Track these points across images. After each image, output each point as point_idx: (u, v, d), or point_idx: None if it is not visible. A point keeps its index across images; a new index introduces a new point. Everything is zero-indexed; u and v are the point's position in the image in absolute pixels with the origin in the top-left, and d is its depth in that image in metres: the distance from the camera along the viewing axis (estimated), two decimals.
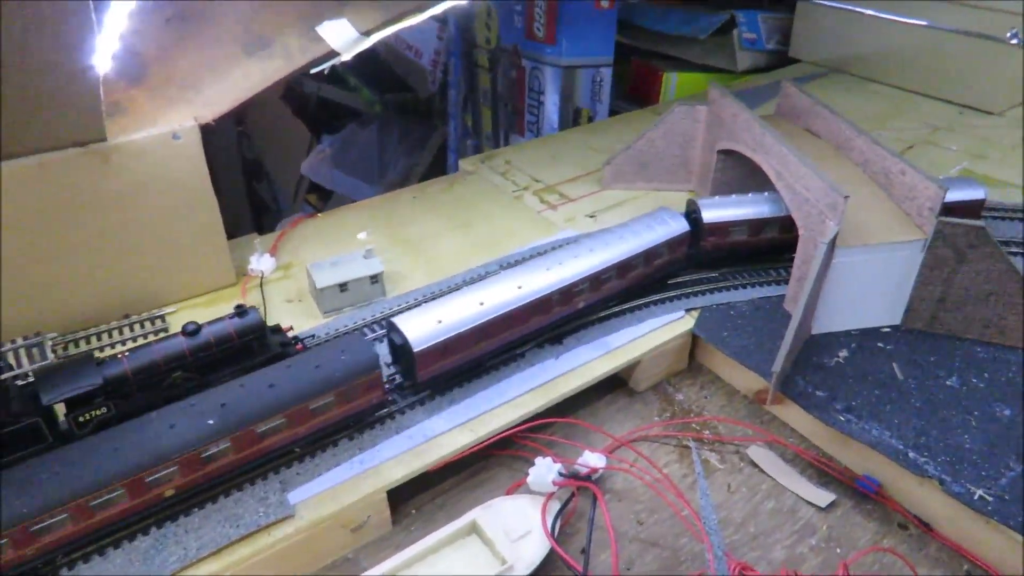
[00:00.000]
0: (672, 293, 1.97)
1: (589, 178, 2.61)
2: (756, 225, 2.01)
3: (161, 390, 1.51)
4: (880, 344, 1.83)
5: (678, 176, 2.49)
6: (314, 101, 6.57)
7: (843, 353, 1.80)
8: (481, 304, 1.67)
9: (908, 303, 1.84)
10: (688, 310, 1.94)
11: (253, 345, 1.60)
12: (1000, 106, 3.07)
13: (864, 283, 1.80)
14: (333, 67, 6.83)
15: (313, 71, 1.78)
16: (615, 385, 1.91)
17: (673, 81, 3.95)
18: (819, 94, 3.56)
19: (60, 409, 1.42)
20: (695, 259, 2.04)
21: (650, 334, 1.87)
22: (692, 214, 2.01)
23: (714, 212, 2.00)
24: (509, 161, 2.74)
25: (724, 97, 2.22)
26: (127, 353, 1.50)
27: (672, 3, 4.36)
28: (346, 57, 1.67)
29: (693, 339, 1.92)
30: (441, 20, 4.59)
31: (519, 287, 1.72)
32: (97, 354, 1.71)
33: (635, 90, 4.15)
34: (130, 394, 1.48)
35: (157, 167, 1.80)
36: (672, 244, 1.94)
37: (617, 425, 1.81)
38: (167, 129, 1.77)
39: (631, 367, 1.86)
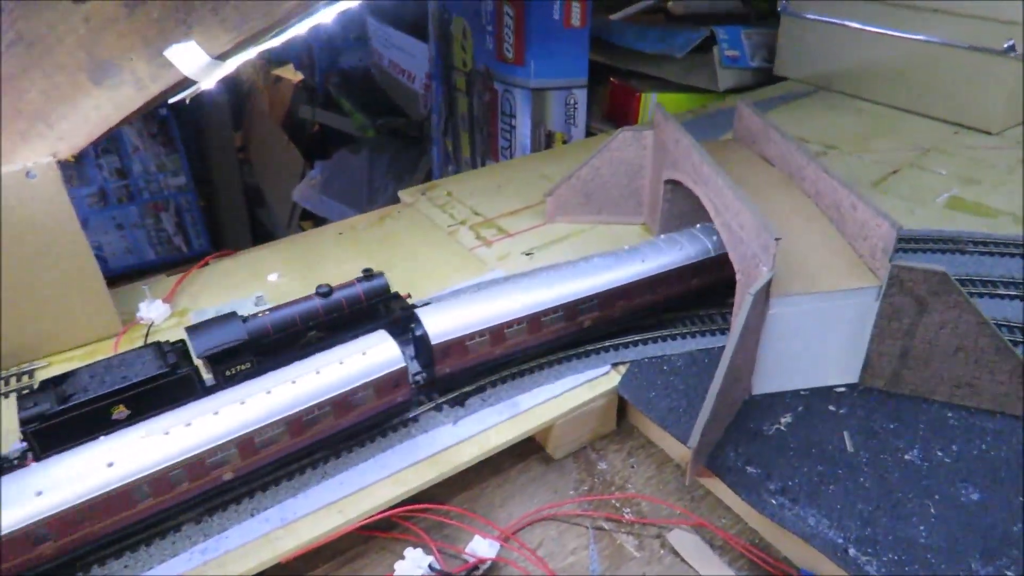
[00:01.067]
0: (597, 345, 1.74)
1: (534, 210, 2.39)
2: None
3: (297, 347, 1.64)
4: (832, 407, 1.57)
5: (627, 207, 2.26)
6: (311, 127, 6.47)
7: (786, 419, 1.54)
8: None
9: (865, 359, 1.58)
10: (615, 364, 1.71)
11: (379, 308, 1.74)
12: (997, 125, 2.79)
13: (810, 336, 1.55)
14: (327, 92, 6.70)
15: (172, 100, 1.60)
16: (531, 449, 1.68)
17: (652, 102, 3.72)
18: (803, 114, 3.35)
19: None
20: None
21: (567, 394, 1.63)
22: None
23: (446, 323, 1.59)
24: (451, 192, 2.53)
25: (667, 121, 1.99)
26: (267, 311, 1.63)
27: (650, 20, 4.16)
28: (206, 85, 1.48)
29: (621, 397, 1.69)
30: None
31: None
32: None
33: (613, 112, 3.93)
34: (269, 350, 1.60)
35: (11, 208, 1.62)
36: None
37: (527, 499, 1.57)
38: (19, 167, 1.59)
39: (546, 431, 1.62)
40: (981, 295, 1.86)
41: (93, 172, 4.52)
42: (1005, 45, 2.63)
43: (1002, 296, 1.86)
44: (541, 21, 3.48)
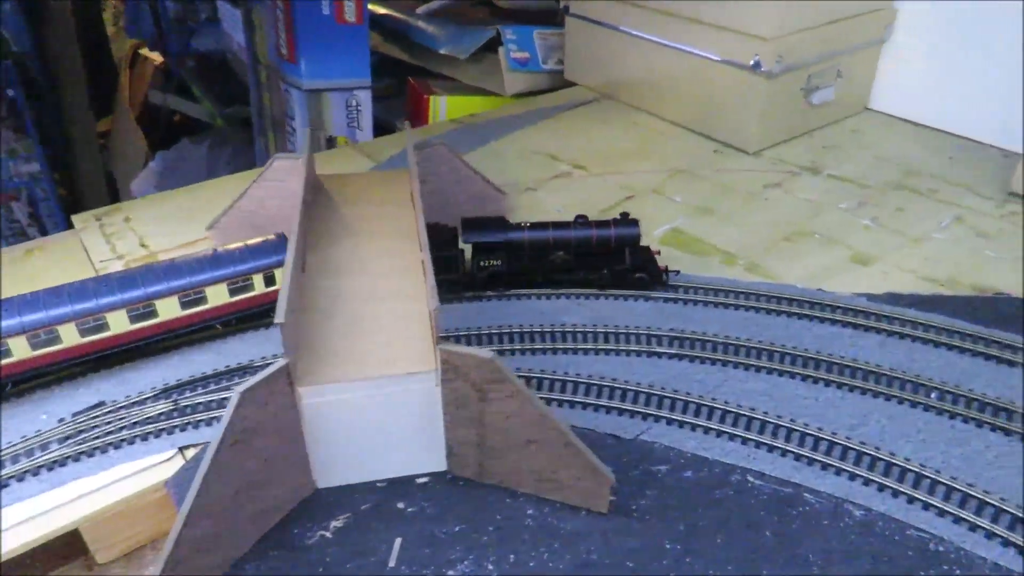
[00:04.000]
0: (160, 425, 1.49)
1: (211, 242, 2.12)
2: None
3: (544, 263, 1.88)
4: (402, 504, 1.35)
5: None
6: (166, 114, 6.01)
7: (338, 522, 1.32)
8: None
9: (447, 447, 1.38)
10: (183, 448, 1.46)
11: (624, 254, 1.88)
12: (754, 145, 2.63)
13: (372, 424, 1.33)
14: (180, 76, 6.21)
15: None
16: (76, 550, 1.42)
17: (442, 105, 3.47)
18: (573, 125, 3.08)
19: None
20: None
21: (114, 485, 1.38)
22: None
23: None
24: (129, 218, 2.23)
25: (309, 155, 1.74)
26: (529, 224, 1.87)
27: (470, 16, 3.89)
28: None
29: None
30: None
31: None
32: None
33: (412, 115, 3.66)
34: (522, 258, 1.87)
35: None
36: None
37: None
38: None
39: (91, 528, 1.37)
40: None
41: None
42: (751, 62, 2.46)
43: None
44: (310, 16, 3.17)
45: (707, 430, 1.51)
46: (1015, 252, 2.07)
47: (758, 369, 1.67)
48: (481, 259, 1.85)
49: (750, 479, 1.42)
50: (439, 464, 1.41)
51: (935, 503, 1.35)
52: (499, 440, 1.32)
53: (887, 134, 2.79)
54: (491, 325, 1.78)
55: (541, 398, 1.59)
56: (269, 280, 1.72)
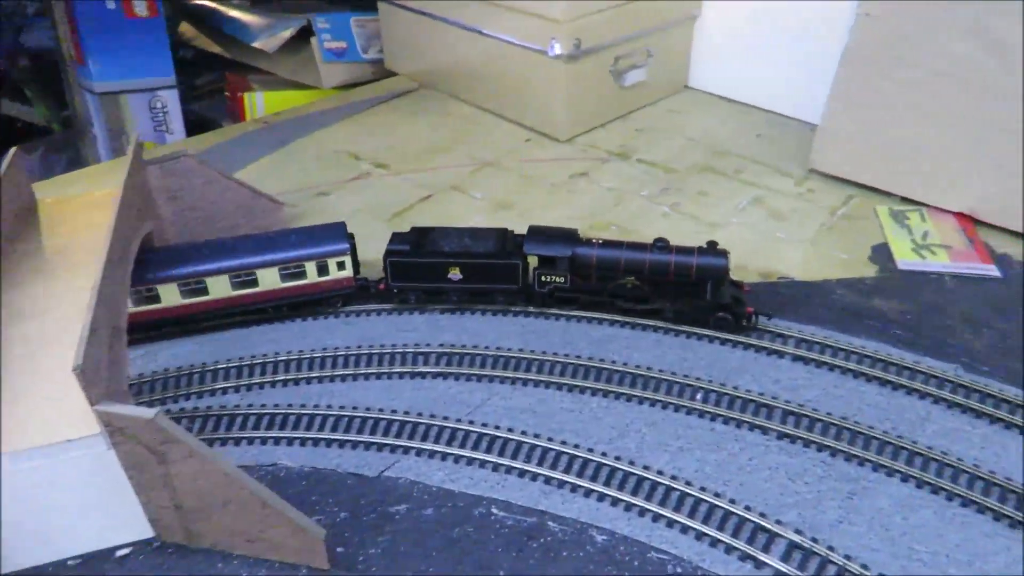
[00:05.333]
0: None
1: None
2: None
3: (613, 286, 1.70)
4: None
5: None
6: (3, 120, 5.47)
7: None
8: None
9: (148, 512, 1.22)
10: None
11: (707, 287, 1.66)
12: (564, 132, 2.54)
13: (43, 496, 1.16)
14: (10, 77, 5.61)
15: None
16: None
17: (259, 102, 3.25)
18: (390, 119, 2.86)
19: None
20: None
21: None
22: None
23: None
24: None
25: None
26: (601, 241, 1.71)
27: (260, 3, 3.61)
28: None
29: None
30: None
31: None
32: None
33: (230, 112, 3.42)
34: (588, 277, 1.71)
35: None
36: None
37: None
38: None
39: None
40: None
41: None
42: (548, 46, 2.36)
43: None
44: (93, 13, 2.88)
45: (457, 459, 1.41)
46: (803, 233, 2.06)
47: (525, 383, 1.57)
48: (543, 273, 1.72)
49: (494, 511, 1.31)
50: (144, 531, 1.24)
51: (680, 519, 1.28)
52: (194, 502, 1.17)
53: (702, 113, 2.76)
54: (231, 358, 1.62)
55: (275, 439, 1.46)
56: (322, 269, 1.75)
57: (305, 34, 3.13)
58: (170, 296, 1.68)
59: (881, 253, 1.97)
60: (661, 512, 1.29)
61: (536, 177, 2.35)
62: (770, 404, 1.50)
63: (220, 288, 1.70)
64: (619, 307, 1.73)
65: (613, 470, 1.37)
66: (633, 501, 1.32)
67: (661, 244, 1.67)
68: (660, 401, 1.52)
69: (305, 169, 2.41)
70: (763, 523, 1.27)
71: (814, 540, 1.24)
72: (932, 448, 1.39)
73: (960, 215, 2.08)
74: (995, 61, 1.91)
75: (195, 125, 3.32)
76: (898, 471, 1.36)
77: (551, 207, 2.19)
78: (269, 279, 1.72)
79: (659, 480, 1.35)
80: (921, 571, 1.20)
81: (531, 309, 1.77)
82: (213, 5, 3.55)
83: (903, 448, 1.40)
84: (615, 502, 1.32)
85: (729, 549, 1.24)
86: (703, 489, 1.33)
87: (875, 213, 2.12)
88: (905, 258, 1.93)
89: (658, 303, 1.70)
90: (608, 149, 2.51)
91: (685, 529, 1.27)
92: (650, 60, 2.69)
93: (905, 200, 2.17)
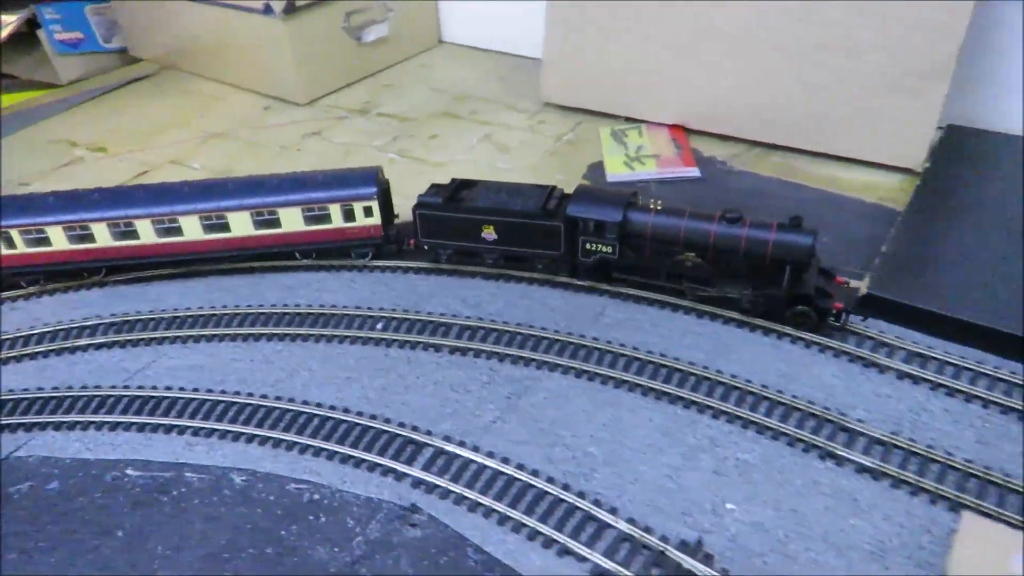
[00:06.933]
0: None
1: None
2: None
3: (670, 262, 1.43)
4: None
5: None
6: None
7: None
8: None
9: None
10: None
11: (785, 270, 1.33)
12: (304, 95, 2.45)
13: None
14: None
15: None
16: None
17: None
18: (123, 103, 2.59)
19: None
20: None
21: None
22: None
23: None
24: None
25: None
26: (659, 206, 1.43)
27: None
28: None
29: None
30: None
31: None
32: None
33: None
34: (641, 249, 1.45)
35: None
36: None
37: None
38: None
39: None
40: None
41: None
42: (263, 5, 2.26)
43: None
44: None
45: (100, 426, 1.29)
46: (526, 161, 2.05)
47: (198, 339, 1.47)
48: (589, 240, 1.46)
49: (129, 472, 1.21)
50: None
51: (326, 447, 1.22)
52: None
53: (453, 64, 2.72)
54: None
55: None
56: (348, 215, 1.61)
57: (35, 27, 2.90)
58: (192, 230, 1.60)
59: (596, 170, 1.98)
60: (309, 443, 1.23)
61: (265, 143, 2.25)
62: (448, 323, 1.46)
63: (241, 226, 1.59)
64: (676, 288, 1.46)
65: (269, 410, 1.30)
66: (281, 437, 1.24)
67: (733, 216, 1.36)
68: (337, 336, 1.45)
69: (11, 162, 2.21)
70: (413, 436, 1.23)
71: (461, 444, 1.21)
72: (598, 339, 1.40)
73: (673, 127, 2.12)
74: None
75: None
76: (559, 365, 1.35)
77: (273, 169, 2.09)
78: (292, 221, 1.59)
79: (315, 412, 1.28)
80: (564, 455, 1.19)
81: (224, 267, 1.67)
82: None
83: (569, 343, 1.39)
84: (263, 441, 1.25)
85: (372, 467, 1.19)
86: (359, 414, 1.28)
87: (599, 135, 2.15)
88: (615, 171, 1.95)
89: (726, 288, 1.41)
90: (349, 107, 2.43)
91: (332, 456, 1.21)
92: (391, 15, 2.63)
93: (629, 120, 2.20)
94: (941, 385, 1.25)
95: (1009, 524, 1.01)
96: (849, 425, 1.18)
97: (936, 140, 1.86)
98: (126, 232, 1.58)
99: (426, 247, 1.60)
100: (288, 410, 1.29)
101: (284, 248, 1.64)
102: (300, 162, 2.12)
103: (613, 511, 1.09)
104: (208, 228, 1.59)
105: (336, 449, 1.21)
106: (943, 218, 1.61)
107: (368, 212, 1.59)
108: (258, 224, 1.59)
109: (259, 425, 1.27)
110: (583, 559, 1.03)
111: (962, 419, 1.20)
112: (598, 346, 1.37)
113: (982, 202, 1.67)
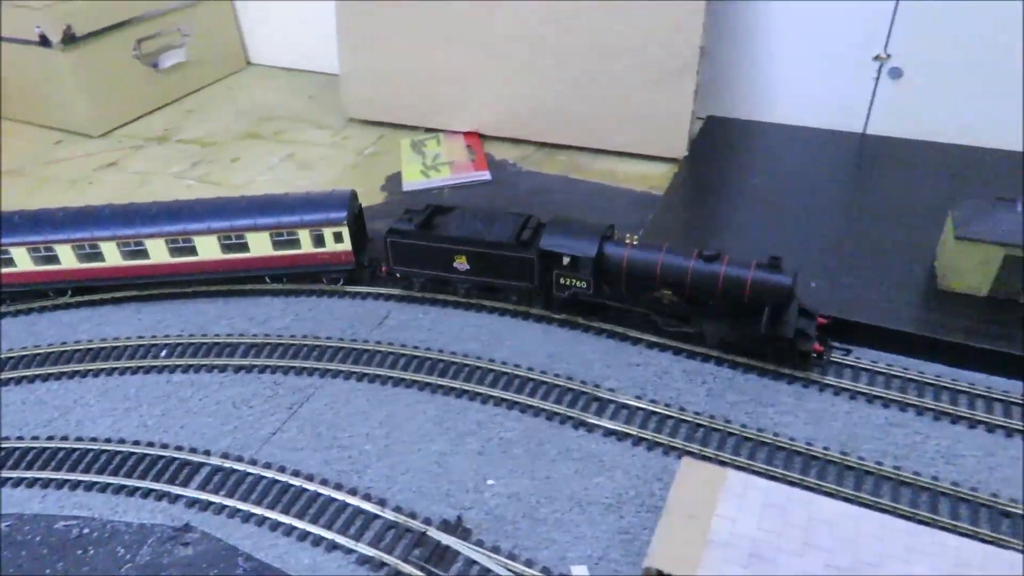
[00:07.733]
0: None
1: None
2: None
3: (646, 299, 1.40)
4: None
5: None
6: None
7: None
8: None
9: None
10: None
11: (764, 312, 1.28)
12: (97, 127, 2.38)
13: None
14: None
15: None
16: None
17: None
18: None
19: None
20: None
21: None
22: None
23: None
24: None
25: None
26: (635, 242, 1.39)
27: None
28: None
29: None
30: None
31: None
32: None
33: None
34: (616, 283, 1.40)
35: None
36: None
37: None
38: None
39: None
40: None
41: None
42: (38, 36, 2.18)
43: None
44: None
45: None
46: (327, 176, 2.09)
47: None
48: (563, 274, 1.41)
49: None
50: None
51: (100, 479, 1.21)
52: None
53: (261, 86, 2.71)
54: None
55: None
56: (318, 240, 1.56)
57: None
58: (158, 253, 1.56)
59: (394, 181, 2.05)
60: (79, 478, 1.21)
61: (56, 177, 2.16)
62: (235, 343, 1.48)
63: (208, 249, 1.53)
64: (652, 322, 1.43)
65: (40, 451, 1.27)
66: (51, 476, 1.22)
67: (710, 254, 1.32)
68: (118, 368, 1.44)
69: None
70: (189, 458, 1.24)
71: (239, 459, 1.24)
72: (381, 342, 1.46)
73: (469, 134, 2.22)
74: None
75: None
76: (341, 371, 1.40)
77: (68, 201, 2.02)
78: (260, 245, 1.53)
79: (88, 448, 1.27)
80: (339, 456, 1.24)
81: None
82: None
83: (353, 349, 1.44)
84: (31, 483, 1.22)
85: (146, 493, 1.19)
86: (135, 443, 1.27)
87: (400, 147, 2.21)
88: (412, 179, 2.02)
89: (702, 326, 1.38)
90: (147, 136, 2.38)
91: (104, 488, 1.20)
92: (187, 40, 2.59)
93: (429, 131, 2.29)
94: (682, 349, 1.41)
95: (721, 463, 1.16)
96: (601, 395, 1.31)
97: (696, 131, 2.07)
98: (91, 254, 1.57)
99: (398, 275, 1.57)
100: (60, 448, 1.27)
101: (252, 272, 1.60)
102: (91, 195, 2.06)
103: (382, 502, 1.15)
104: (175, 251, 1.56)
105: (108, 480, 1.21)
106: (694, 196, 1.80)
107: (338, 238, 1.56)
108: (225, 248, 1.55)
109: (28, 468, 1.24)
110: (349, 551, 1.09)
111: (695, 377, 1.36)
112: (379, 349, 1.44)
113: (731, 180, 1.88)
